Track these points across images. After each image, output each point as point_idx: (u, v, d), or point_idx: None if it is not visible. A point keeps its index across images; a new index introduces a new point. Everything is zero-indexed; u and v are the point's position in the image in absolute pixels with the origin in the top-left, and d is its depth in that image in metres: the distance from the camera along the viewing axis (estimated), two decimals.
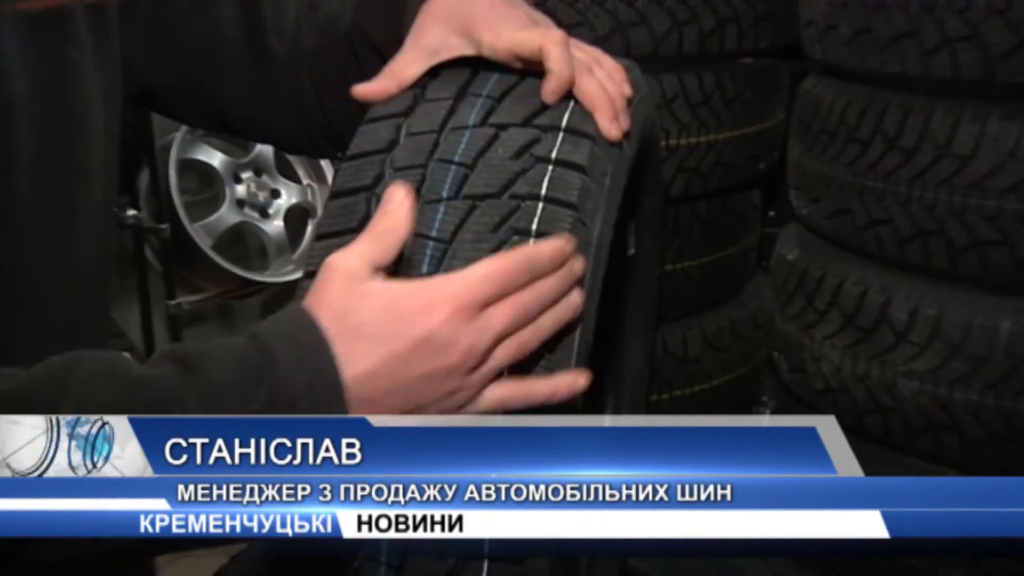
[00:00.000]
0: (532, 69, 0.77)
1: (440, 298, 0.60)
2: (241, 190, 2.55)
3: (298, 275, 2.68)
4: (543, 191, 0.72)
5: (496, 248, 0.70)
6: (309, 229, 2.67)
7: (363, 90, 0.80)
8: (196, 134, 2.46)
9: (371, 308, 0.60)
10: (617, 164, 0.79)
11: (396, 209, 0.66)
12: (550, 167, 0.73)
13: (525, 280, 0.63)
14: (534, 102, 0.77)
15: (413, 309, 0.60)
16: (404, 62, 0.80)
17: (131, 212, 2.30)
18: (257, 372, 0.58)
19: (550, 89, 0.76)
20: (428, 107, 0.79)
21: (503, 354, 0.62)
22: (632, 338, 1.33)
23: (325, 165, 2.59)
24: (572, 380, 0.65)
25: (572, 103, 0.78)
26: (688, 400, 1.73)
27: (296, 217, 2.65)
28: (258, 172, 2.57)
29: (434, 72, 0.80)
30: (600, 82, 0.77)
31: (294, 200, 2.60)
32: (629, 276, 1.24)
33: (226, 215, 2.51)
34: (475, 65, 0.79)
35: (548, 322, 0.64)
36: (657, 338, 1.63)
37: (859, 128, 1.36)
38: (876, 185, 1.34)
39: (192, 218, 2.42)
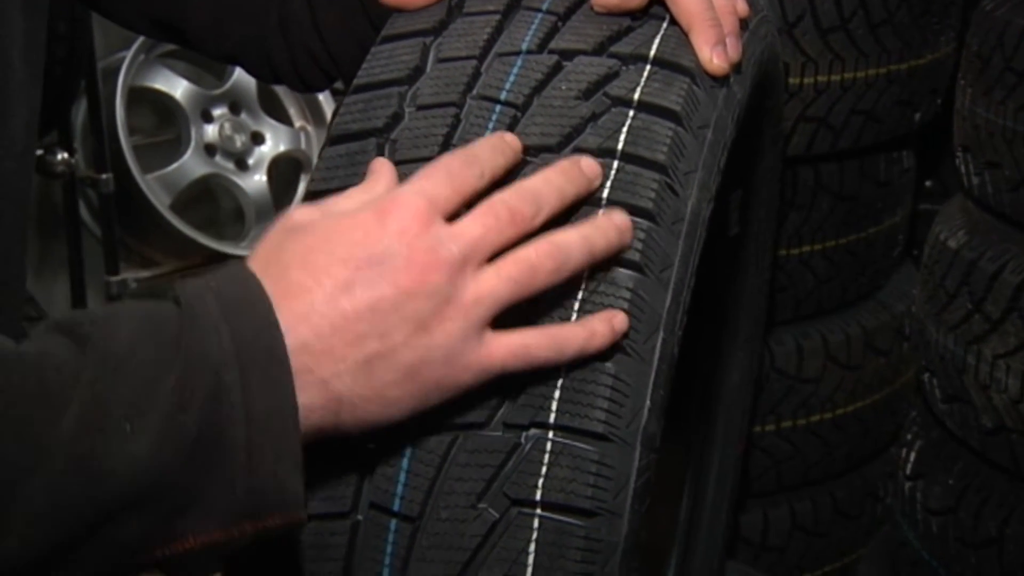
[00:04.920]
0: None
1: (373, 209, 0.63)
2: (212, 132, 2.56)
3: None
4: (620, 145, 0.70)
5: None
6: (302, 187, 2.68)
7: None
8: (152, 53, 2.47)
9: (300, 242, 0.63)
10: (723, 110, 0.77)
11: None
12: (631, 112, 0.72)
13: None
14: (612, 22, 0.76)
15: (344, 228, 0.63)
16: None
17: (61, 156, 2.30)
18: (171, 333, 0.59)
19: None
20: (467, 23, 0.78)
21: (497, 277, 0.63)
22: (732, 348, 1.31)
23: (324, 101, 2.59)
24: (609, 319, 0.66)
25: (665, 24, 0.77)
26: (801, 434, 1.71)
27: (284, 170, 2.67)
28: (235, 108, 2.58)
29: None
30: None
31: (282, 147, 2.61)
32: (730, 264, 1.22)
33: (190, 164, 2.53)
34: None
35: (574, 242, 0.65)
36: (764, 349, 1.61)
37: None
38: None
39: (145, 167, 2.44)
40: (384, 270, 0.61)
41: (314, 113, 2.65)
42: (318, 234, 0.63)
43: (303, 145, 2.65)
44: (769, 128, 1.11)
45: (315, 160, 2.78)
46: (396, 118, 0.74)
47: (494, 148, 0.68)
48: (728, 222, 1.15)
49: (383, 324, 0.61)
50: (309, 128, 2.66)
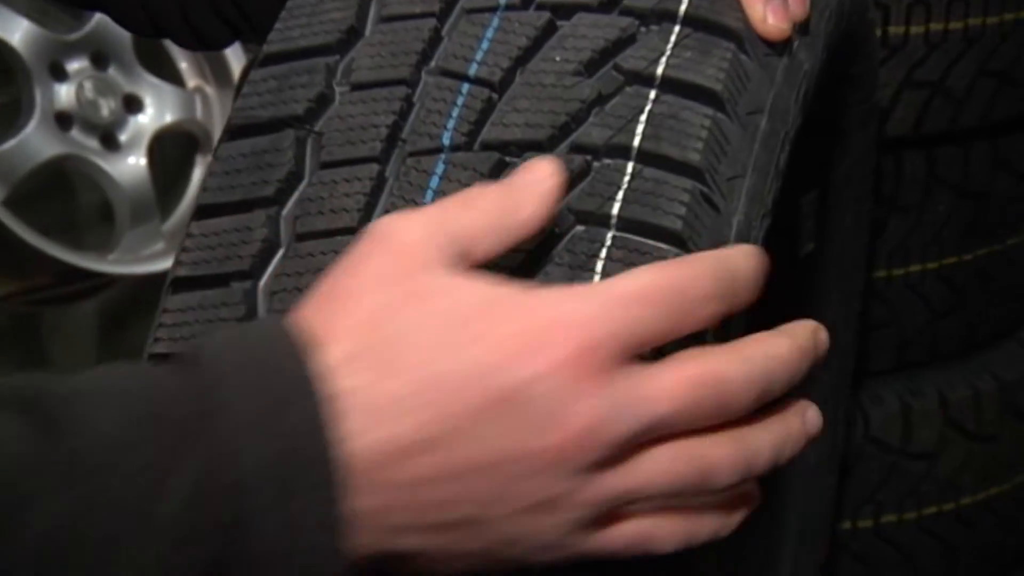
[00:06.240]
0: None
1: (557, 320, 0.62)
2: (66, 94, 2.57)
3: (172, 261, 2.68)
4: (637, 140, 0.72)
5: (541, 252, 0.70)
6: (197, 174, 2.69)
7: None
8: None
9: (424, 316, 0.62)
10: (783, 89, 0.79)
11: (533, 184, 0.68)
12: (652, 93, 0.73)
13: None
14: None
15: (503, 335, 0.61)
16: None
17: None
18: (178, 426, 0.58)
19: None
20: None
21: (662, 471, 0.64)
22: None
23: (231, 53, 2.61)
24: (747, 501, 0.69)
25: None
26: (911, 532, 1.71)
27: (172, 149, 2.67)
28: (100, 61, 2.60)
29: None
30: None
31: (169, 117, 2.62)
32: (803, 294, 1.24)
33: (35, 141, 2.54)
34: None
35: (765, 452, 0.67)
36: (854, 411, 1.62)
37: None
38: None
39: None
40: (522, 421, 0.61)
41: (215, 69, 2.65)
42: (443, 324, 0.62)
43: (199, 113, 2.65)
44: (856, 105, 1.12)
45: (216, 140, 2.77)
46: (323, 101, 0.75)
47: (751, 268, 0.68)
48: (799, 237, 1.17)
49: (492, 490, 0.61)
50: (208, 89, 2.67)
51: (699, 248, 0.71)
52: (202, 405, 0.58)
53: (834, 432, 1.38)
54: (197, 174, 2.68)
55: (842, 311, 1.31)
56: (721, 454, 0.65)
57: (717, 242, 0.72)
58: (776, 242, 0.81)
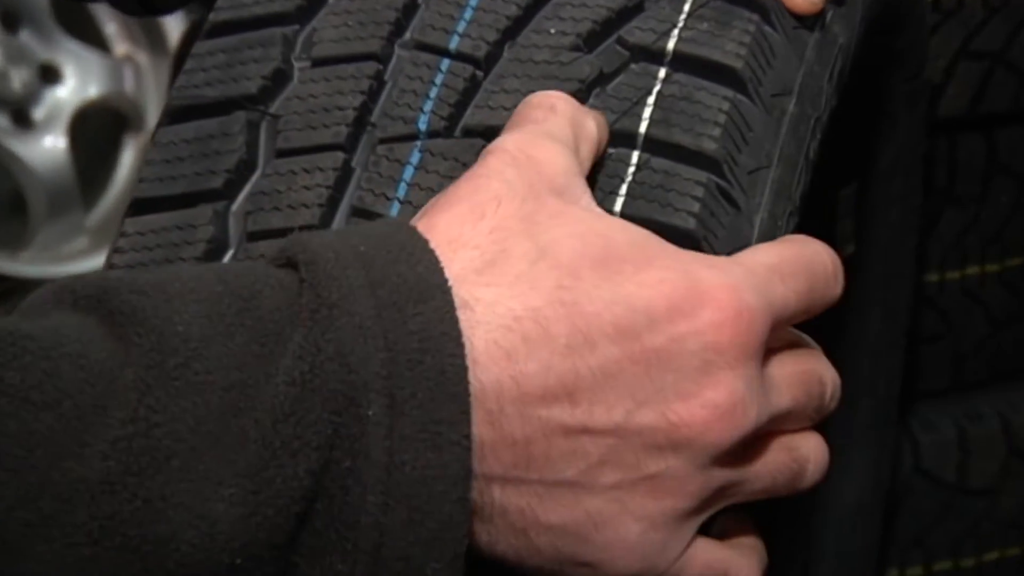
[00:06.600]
0: None
1: (713, 279, 0.64)
2: None
3: (98, 260, 2.68)
4: (643, 126, 0.73)
5: None
6: (127, 158, 2.69)
7: None
8: None
9: (566, 237, 0.64)
10: (814, 67, 0.79)
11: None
12: (661, 71, 0.74)
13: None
14: None
15: (658, 279, 0.64)
16: None
17: None
18: (279, 320, 0.59)
19: None
20: None
21: (764, 463, 0.69)
22: (846, 443, 1.33)
23: (169, 16, 2.60)
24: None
25: None
26: None
27: (97, 129, 2.67)
28: (9, 22, 2.60)
29: None
30: None
31: (93, 91, 2.62)
32: (841, 303, 1.24)
33: None
34: None
35: (814, 446, 0.72)
36: (902, 439, 1.62)
37: None
38: None
39: None
40: (664, 383, 0.63)
41: (149, 34, 2.65)
42: (598, 252, 0.64)
43: (129, 86, 2.65)
44: (901, 83, 1.12)
45: (151, 117, 2.74)
46: (279, 79, 0.76)
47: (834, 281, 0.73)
48: (836, 238, 1.17)
49: (609, 455, 0.63)
50: (140, 58, 2.66)
51: (717, 250, 0.72)
52: (303, 300, 0.59)
53: (878, 465, 1.38)
54: (127, 158, 2.66)
55: (887, 323, 1.31)
56: (811, 451, 0.70)
57: (736, 244, 0.73)
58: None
